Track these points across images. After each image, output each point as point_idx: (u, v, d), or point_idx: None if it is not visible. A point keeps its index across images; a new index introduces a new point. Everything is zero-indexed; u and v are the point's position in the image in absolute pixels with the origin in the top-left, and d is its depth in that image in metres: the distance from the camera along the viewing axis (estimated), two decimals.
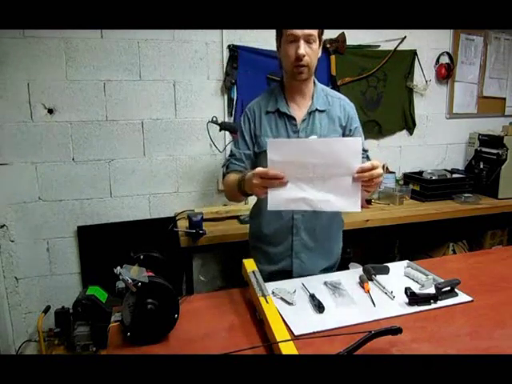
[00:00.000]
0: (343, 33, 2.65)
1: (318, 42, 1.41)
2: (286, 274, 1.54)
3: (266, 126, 1.51)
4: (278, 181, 1.20)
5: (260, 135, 1.51)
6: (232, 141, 2.59)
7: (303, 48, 1.37)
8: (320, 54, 1.47)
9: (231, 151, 1.59)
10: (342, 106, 1.54)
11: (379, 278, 1.40)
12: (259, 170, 1.23)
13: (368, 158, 1.55)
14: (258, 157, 1.54)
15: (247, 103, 2.50)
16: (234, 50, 2.49)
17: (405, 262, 1.57)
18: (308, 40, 1.38)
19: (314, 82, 1.54)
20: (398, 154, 3.03)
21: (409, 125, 3.00)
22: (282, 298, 1.28)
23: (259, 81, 2.57)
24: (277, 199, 1.21)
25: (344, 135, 1.53)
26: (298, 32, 1.36)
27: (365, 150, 1.53)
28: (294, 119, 1.49)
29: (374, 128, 2.90)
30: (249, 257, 1.49)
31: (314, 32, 1.38)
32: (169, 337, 1.11)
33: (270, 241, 1.57)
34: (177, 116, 2.50)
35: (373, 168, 1.20)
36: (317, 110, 1.50)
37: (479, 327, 1.14)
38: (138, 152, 2.47)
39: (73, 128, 2.34)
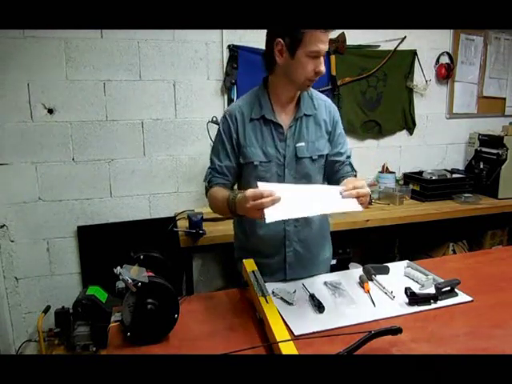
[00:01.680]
0: (343, 33, 2.65)
1: None
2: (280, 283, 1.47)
3: (250, 135, 1.40)
4: (271, 198, 1.11)
5: (245, 145, 1.40)
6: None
7: (323, 64, 1.32)
8: None
9: (211, 162, 1.46)
10: (328, 108, 1.47)
11: (379, 277, 1.40)
12: (250, 193, 1.13)
13: (351, 166, 1.50)
14: (244, 168, 1.43)
15: None
16: (234, 50, 2.49)
17: (405, 262, 1.57)
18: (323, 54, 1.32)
19: None
20: (398, 154, 3.03)
21: (409, 125, 3.00)
22: (281, 298, 1.28)
23: (259, 81, 2.55)
24: (274, 211, 1.13)
25: (329, 140, 1.46)
26: (323, 48, 1.28)
27: (347, 157, 1.50)
28: (281, 127, 1.40)
29: (374, 128, 2.90)
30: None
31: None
32: (169, 337, 1.11)
33: (262, 253, 1.47)
34: (177, 116, 2.50)
35: (355, 188, 1.18)
36: (304, 115, 1.42)
37: (479, 327, 1.14)
38: (138, 152, 2.47)
39: (73, 128, 2.34)
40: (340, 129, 1.50)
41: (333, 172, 1.49)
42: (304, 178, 1.43)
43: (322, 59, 1.30)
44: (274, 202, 1.12)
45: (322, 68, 1.31)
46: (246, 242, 1.52)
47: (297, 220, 1.44)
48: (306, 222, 1.46)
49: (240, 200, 1.21)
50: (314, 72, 1.31)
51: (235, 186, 1.53)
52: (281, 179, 1.40)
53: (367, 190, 1.21)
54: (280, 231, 1.45)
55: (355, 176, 1.49)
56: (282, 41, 1.29)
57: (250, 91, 1.50)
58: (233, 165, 1.44)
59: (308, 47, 1.27)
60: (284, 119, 1.42)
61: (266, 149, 1.40)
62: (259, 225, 1.43)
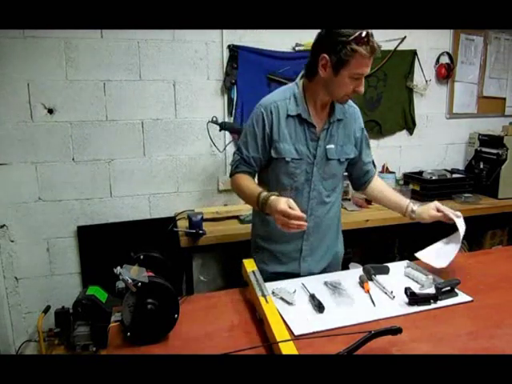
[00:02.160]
0: None
1: None
2: (294, 277, 1.52)
3: (284, 132, 1.44)
4: (297, 223, 1.22)
5: (278, 140, 1.44)
6: (232, 141, 2.59)
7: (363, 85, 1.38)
8: None
9: (239, 150, 1.51)
10: (356, 115, 1.56)
11: (379, 277, 1.40)
12: (282, 207, 1.23)
13: (373, 164, 1.65)
14: (274, 162, 1.48)
15: (247, 103, 2.56)
16: (234, 50, 2.49)
17: (405, 262, 1.57)
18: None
19: None
20: (398, 154, 3.03)
21: (409, 125, 2.99)
22: (282, 298, 1.28)
23: (259, 81, 2.57)
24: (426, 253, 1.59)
25: (356, 145, 1.56)
26: (366, 71, 1.33)
27: (370, 162, 1.65)
28: (314, 127, 1.46)
29: (374, 128, 2.90)
30: (249, 257, 1.50)
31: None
32: (169, 337, 1.11)
33: (280, 241, 1.55)
34: (177, 116, 2.50)
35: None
36: (337, 119, 1.49)
37: (479, 327, 1.14)
38: (138, 152, 2.47)
39: (73, 128, 2.34)
40: (365, 133, 1.61)
41: (361, 174, 1.65)
42: (330, 178, 1.52)
43: (362, 80, 1.36)
44: (300, 227, 1.23)
45: (362, 88, 1.37)
46: (264, 229, 1.57)
47: (317, 216, 1.53)
48: (324, 216, 1.55)
49: (271, 204, 1.29)
50: (353, 90, 1.37)
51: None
52: (309, 176, 1.49)
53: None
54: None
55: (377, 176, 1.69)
56: (327, 57, 1.33)
57: (284, 87, 1.54)
58: (260, 157, 1.49)
59: (352, 69, 1.31)
60: (318, 121, 1.47)
61: (298, 146, 1.45)
62: None
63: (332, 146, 1.48)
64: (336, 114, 1.49)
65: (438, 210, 1.60)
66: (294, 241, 1.54)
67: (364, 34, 1.25)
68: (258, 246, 1.62)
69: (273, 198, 1.30)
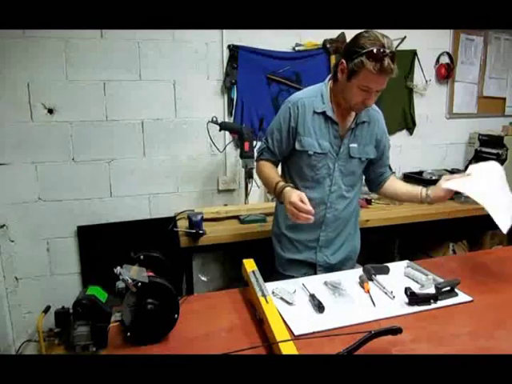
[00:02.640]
0: (343, 33, 2.64)
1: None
2: (311, 266, 1.64)
3: (309, 126, 1.53)
4: (305, 217, 1.31)
5: (303, 134, 1.53)
6: (232, 141, 2.59)
7: (373, 100, 1.44)
8: None
9: (266, 140, 1.63)
10: (380, 119, 1.63)
11: (379, 277, 1.40)
12: (294, 199, 1.33)
13: (389, 167, 1.71)
14: (298, 154, 1.57)
15: (247, 103, 2.56)
16: (234, 50, 2.49)
17: (405, 262, 1.57)
18: (378, 90, 1.41)
19: None
20: (398, 153, 3.03)
21: (409, 125, 2.99)
22: (282, 298, 1.28)
23: (259, 81, 2.57)
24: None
25: (377, 148, 1.63)
26: (374, 87, 1.38)
27: (387, 165, 1.71)
28: (337, 125, 1.53)
29: None
30: (250, 256, 1.49)
31: (385, 85, 1.40)
32: (169, 337, 1.11)
33: (298, 230, 1.62)
34: (177, 116, 2.50)
35: None
36: (363, 121, 1.56)
37: (479, 327, 1.15)
38: (138, 152, 2.47)
39: (73, 128, 2.34)
40: (388, 137, 1.68)
41: (377, 175, 1.71)
42: (350, 175, 1.60)
43: (372, 95, 1.42)
44: (307, 220, 1.31)
45: (369, 102, 1.44)
46: (285, 216, 1.60)
47: (336, 209, 1.60)
48: (343, 210, 1.62)
49: (285, 195, 1.40)
50: (362, 102, 1.43)
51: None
52: (330, 171, 1.57)
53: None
54: (320, 217, 1.58)
55: (394, 173, 1.75)
56: (344, 63, 1.41)
57: (313, 86, 1.61)
58: (283, 148, 1.60)
59: (360, 81, 1.38)
60: (341, 120, 1.55)
61: (322, 142, 1.53)
62: None
63: (355, 145, 1.56)
64: (362, 116, 1.56)
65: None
66: (312, 230, 1.61)
67: (376, 50, 1.30)
68: (278, 232, 1.72)
69: (288, 189, 1.41)
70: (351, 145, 1.55)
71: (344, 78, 1.43)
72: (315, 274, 1.63)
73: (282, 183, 1.47)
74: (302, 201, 1.32)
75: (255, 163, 1.73)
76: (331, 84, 1.55)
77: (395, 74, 1.36)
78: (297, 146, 1.55)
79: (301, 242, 1.64)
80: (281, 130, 1.57)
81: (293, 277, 1.53)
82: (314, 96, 1.54)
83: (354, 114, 1.55)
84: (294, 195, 1.34)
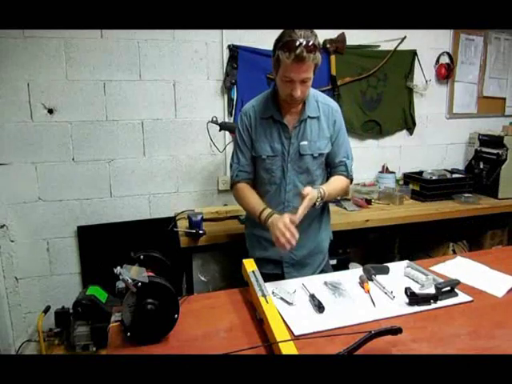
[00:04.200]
0: (343, 33, 2.65)
1: (312, 77, 1.44)
2: (278, 263, 1.65)
3: (261, 131, 1.58)
4: (287, 245, 1.34)
5: (256, 140, 1.58)
6: (232, 141, 2.59)
7: (299, 90, 1.43)
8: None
9: (236, 157, 1.64)
10: (331, 113, 1.60)
11: (379, 277, 1.40)
12: (280, 230, 1.35)
13: (345, 166, 1.65)
14: (255, 160, 1.62)
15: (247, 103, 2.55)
16: (234, 50, 2.49)
17: (405, 262, 1.57)
18: (303, 81, 1.42)
19: None
20: (398, 154, 3.03)
21: (409, 125, 2.99)
22: (282, 298, 1.28)
23: (259, 81, 2.57)
24: None
25: (331, 141, 1.61)
26: (294, 77, 1.39)
27: (344, 157, 1.65)
28: (287, 126, 1.56)
29: (374, 128, 2.90)
30: (249, 256, 1.50)
31: (310, 74, 1.41)
32: (169, 337, 1.11)
33: (264, 228, 1.59)
34: (177, 116, 2.50)
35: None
36: (308, 117, 1.56)
37: (479, 327, 1.14)
38: (138, 152, 2.47)
39: (73, 128, 2.34)
40: (340, 131, 1.63)
41: (330, 169, 1.69)
42: (305, 172, 1.60)
43: (297, 85, 1.41)
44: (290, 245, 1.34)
45: (296, 93, 1.43)
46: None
47: (294, 207, 1.57)
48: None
49: (270, 224, 1.42)
50: (291, 94, 1.44)
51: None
52: (284, 171, 1.59)
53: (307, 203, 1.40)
54: (280, 211, 1.57)
55: (347, 176, 1.67)
56: (272, 59, 1.47)
57: (262, 93, 1.65)
58: (252, 155, 1.61)
59: (281, 72, 1.43)
60: (290, 120, 1.57)
61: (274, 145, 1.57)
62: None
63: (305, 142, 1.56)
64: (307, 111, 1.56)
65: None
66: None
67: (287, 41, 1.35)
68: (247, 232, 1.79)
69: (274, 215, 1.44)
70: (301, 143, 1.56)
71: (275, 74, 1.49)
72: (282, 270, 1.65)
73: (266, 212, 1.48)
74: (286, 226, 1.35)
75: (232, 189, 1.70)
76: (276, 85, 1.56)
77: (315, 62, 1.39)
78: (253, 153, 1.60)
79: (266, 240, 1.61)
80: (244, 140, 1.61)
81: (262, 273, 1.51)
82: (263, 102, 1.59)
83: (300, 113, 1.56)
84: (279, 226, 1.36)
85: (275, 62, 1.45)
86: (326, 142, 1.59)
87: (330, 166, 1.68)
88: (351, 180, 1.70)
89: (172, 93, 2.46)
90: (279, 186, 1.60)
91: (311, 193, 1.41)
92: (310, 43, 1.35)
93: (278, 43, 1.41)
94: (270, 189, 1.62)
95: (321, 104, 1.59)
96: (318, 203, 1.46)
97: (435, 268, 1.52)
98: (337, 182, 1.64)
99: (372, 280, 1.40)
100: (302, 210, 1.38)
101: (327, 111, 1.60)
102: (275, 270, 1.64)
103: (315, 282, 1.41)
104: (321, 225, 1.72)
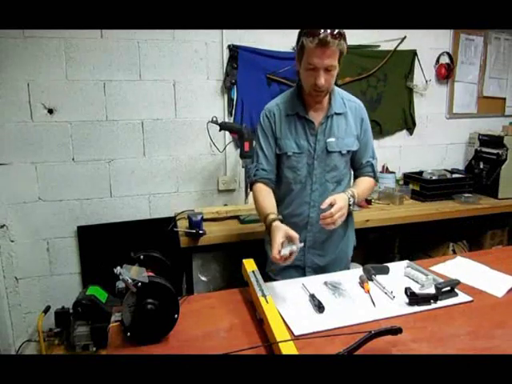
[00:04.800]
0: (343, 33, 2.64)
1: (337, 66, 1.42)
2: (301, 269, 1.62)
3: (286, 129, 1.54)
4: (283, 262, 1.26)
5: (281, 137, 1.55)
6: (232, 141, 2.59)
7: (323, 78, 1.39)
8: (338, 69, 1.45)
9: (256, 156, 1.59)
10: (358, 110, 1.59)
11: (379, 277, 1.40)
12: (277, 245, 1.27)
13: (372, 167, 1.63)
14: (279, 158, 1.58)
15: (247, 103, 2.57)
16: (234, 50, 2.49)
17: (405, 262, 1.57)
18: (328, 69, 1.39)
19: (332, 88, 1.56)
20: (398, 154, 3.03)
21: (409, 125, 3.00)
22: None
23: (259, 81, 2.57)
24: None
25: (358, 139, 1.58)
26: (318, 63, 1.36)
27: (371, 157, 1.63)
28: (313, 123, 1.53)
29: (374, 128, 2.89)
30: (249, 256, 1.49)
31: (334, 62, 1.38)
32: (169, 337, 1.11)
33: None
34: (177, 116, 2.50)
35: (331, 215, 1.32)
36: (335, 113, 1.53)
37: (479, 327, 1.14)
38: (138, 152, 2.47)
39: (73, 128, 2.34)
40: (366, 130, 1.62)
41: (355, 169, 1.67)
42: (332, 170, 1.57)
43: (321, 73, 1.38)
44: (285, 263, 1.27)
45: (319, 82, 1.40)
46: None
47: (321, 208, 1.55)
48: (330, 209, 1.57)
49: (272, 231, 1.35)
50: (315, 84, 1.41)
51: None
52: (311, 169, 1.55)
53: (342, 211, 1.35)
54: (304, 217, 1.58)
55: (373, 177, 1.65)
56: (296, 51, 1.44)
57: (286, 91, 1.63)
58: (275, 152, 1.57)
59: (305, 60, 1.39)
60: (315, 116, 1.54)
61: (299, 141, 1.53)
62: (285, 205, 1.61)
63: (332, 139, 1.53)
64: (333, 108, 1.54)
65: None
66: (298, 232, 1.53)
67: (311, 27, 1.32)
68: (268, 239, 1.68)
69: (274, 224, 1.37)
70: (328, 140, 1.53)
71: (298, 66, 1.46)
72: (304, 275, 1.60)
73: (271, 217, 1.41)
74: (283, 242, 1.29)
75: (249, 185, 1.65)
76: (300, 82, 1.54)
77: (339, 48, 1.36)
78: (277, 151, 1.56)
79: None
80: (266, 137, 1.57)
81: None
82: (287, 99, 1.57)
83: (327, 108, 1.54)
84: (277, 240, 1.29)
85: (299, 50, 1.41)
86: (353, 140, 1.57)
87: (356, 167, 1.66)
88: (377, 181, 1.69)
89: (172, 93, 2.46)
90: (304, 185, 1.56)
91: (337, 198, 1.37)
92: (336, 31, 1.33)
93: (303, 30, 1.37)
94: (294, 188, 1.57)
95: (346, 101, 1.57)
96: (351, 204, 1.44)
97: (435, 268, 1.52)
98: (365, 184, 1.61)
99: (372, 280, 1.40)
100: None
101: (354, 108, 1.58)
102: (296, 275, 1.59)
103: (315, 282, 1.41)
104: (346, 231, 1.70)
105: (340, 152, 1.55)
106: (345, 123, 1.55)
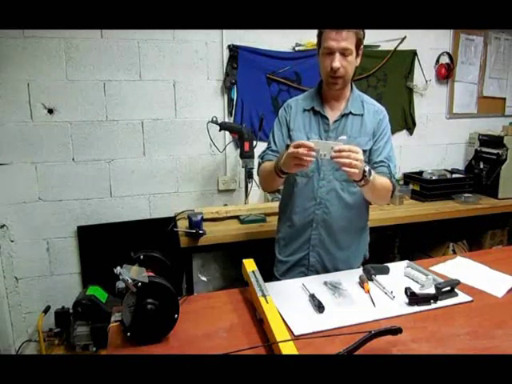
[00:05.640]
0: None
1: (354, 53, 1.44)
2: (304, 267, 1.61)
3: (299, 122, 1.57)
4: (307, 152, 1.24)
5: (293, 129, 1.57)
6: (232, 141, 2.59)
7: (338, 61, 1.41)
8: (358, 63, 1.49)
9: (268, 144, 1.65)
10: (377, 112, 1.57)
11: (379, 278, 1.40)
12: (293, 143, 1.29)
13: (388, 168, 1.54)
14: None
15: (247, 103, 2.57)
16: (234, 50, 2.49)
17: (405, 262, 1.57)
18: (344, 53, 1.41)
19: (352, 88, 1.58)
20: (398, 154, 3.02)
21: (409, 125, 2.99)
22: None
23: (259, 81, 2.57)
24: None
25: (373, 138, 1.55)
26: (334, 45, 1.39)
27: (386, 158, 1.55)
28: (327, 119, 1.54)
29: None
30: (249, 256, 1.49)
31: (350, 45, 1.40)
32: (169, 337, 1.11)
33: (293, 226, 1.62)
34: (177, 116, 2.50)
35: (350, 151, 1.26)
36: (350, 113, 1.53)
37: (479, 327, 1.14)
38: (138, 152, 2.47)
39: (73, 128, 2.34)
40: (384, 131, 1.57)
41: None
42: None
43: (336, 56, 1.41)
44: (309, 155, 1.24)
45: (335, 64, 1.42)
46: (288, 219, 1.64)
47: (327, 207, 1.56)
48: (338, 211, 1.56)
49: (284, 152, 1.35)
50: (330, 68, 1.43)
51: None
52: (318, 164, 1.54)
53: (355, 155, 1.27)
54: (310, 214, 1.57)
55: (390, 179, 1.54)
56: (317, 40, 1.48)
57: (309, 90, 1.66)
58: (286, 143, 1.57)
59: (324, 45, 1.43)
60: (331, 113, 1.56)
61: (311, 135, 1.54)
62: (291, 200, 1.61)
63: (344, 137, 1.52)
64: (349, 107, 1.54)
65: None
66: (304, 229, 1.59)
67: None
68: (277, 236, 1.72)
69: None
70: (340, 137, 1.51)
71: (318, 57, 1.50)
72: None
73: (281, 154, 1.42)
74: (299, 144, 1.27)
75: (257, 166, 1.70)
76: (323, 83, 1.57)
77: (356, 32, 1.40)
78: (288, 142, 1.56)
79: (295, 240, 1.62)
80: (280, 128, 1.62)
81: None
82: (307, 96, 1.61)
83: (343, 107, 1.54)
84: (292, 143, 1.31)
85: (318, 38, 1.47)
86: (367, 139, 1.53)
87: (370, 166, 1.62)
88: (394, 187, 1.55)
89: (172, 93, 2.46)
90: (311, 179, 1.55)
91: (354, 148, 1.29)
92: None
93: None
94: (300, 181, 1.57)
95: (366, 104, 1.57)
96: (366, 175, 1.33)
97: (435, 268, 1.52)
98: (382, 179, 1.49)
99: (372, 280, 1.40)
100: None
101: (372, 111, 1.57)
102: (301, 276, 1.58)
103: (315, 282, 1.41)
104: (359, 242, 1.65)
105: None
106: (360, 123, 1.54)
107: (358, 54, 1.46)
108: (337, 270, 1.58)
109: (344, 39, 1.38)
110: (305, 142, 1.26)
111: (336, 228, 1.57)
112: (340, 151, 1.24)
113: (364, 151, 1.51)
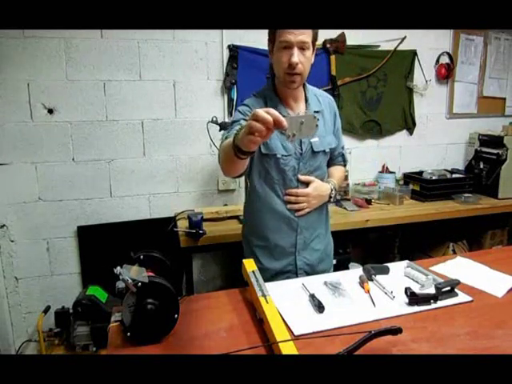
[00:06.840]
0: (343, 33, 2.65)
1: (311, 48, 1.39)
2: (292, 273, 1.57)
3: None
4: (271, 126, 0.96)
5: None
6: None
7: (297, 56, 1.35)
8: (313, 61, 1.44)
9: (231, 129, 1.39)
10: (330, 105, 1.59)
11: (379, 277, 1.40)
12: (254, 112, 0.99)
13: (343, 156, 1.66)
14: (265, 159, 1.48)
15: None
16: (234, 50, 2.49)
17: (405, 262, 1.57)
18: (302, 47, 1.35)
19: (305, 85, 1.54)
20: (398, 154, 3.03)
21: (409, 125, 3.00)
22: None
23: (259, 81, 2.56)
24: None
25: (334, 134, 1.59)
26: (292, 39, 1.33)
27: (342, 147, 1.65)
28: None
29: (374, 128, 2.90)
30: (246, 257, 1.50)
31: (308, 39, 1.35)
32: (169, 337, 1.10)
33: (273, 236, 1.56)
34: (177, 116, 2.50)
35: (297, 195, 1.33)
36: (314, 111, 1.49)
37: (479, 327, 1.14)
38: (138, 152, 2.47)
39: (73, 128, 2.34)
40: (338, 122, 1.62)
41: (328, 160, 1.63)
42: (316, 170, 1.54)
43: (294, 50, 1.34)
44: (267, 132, 0.97)
45: (294, 59, 1.34)
46: (259, 225, 1.58)
47: (309, 212, 1.54)
48: (315, 208, 1.55)
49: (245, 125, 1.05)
50: (288, 64, 1.36)
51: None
52: (296, 171, 1.51)
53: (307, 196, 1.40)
54: (293, 220, 1.53)
55: (344, 166, 1.69)
56: (268, 35, 1.41)
57: (258, 90, 1.54)
58: None
59: (280, 38, 1.35)
60: None
61: (285, 143, 1.47)
62: (272, 208, 1.54)
63: (316, 139, 1.50)
64: (311, 106, 1.51)
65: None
66: (288, 234, 1.55)
67: None
68: (252, 244, 1.62)
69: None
70: (313, 140, 1.49)
71: (271, 55, 1.43)
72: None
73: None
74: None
75: (218, 158, 1.39)
76: (276, 82, 1.49)
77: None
78: (262, 150, 1.45)
79: (277, 249, 1.57)
80: (245, 116, 1.43)
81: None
82: (262, 99, 1.48)
83: (304, 107, 1.50)
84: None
85: (270, 35, 1.39)
86: (332, 137, 1.57)
87: (330, 158, 1.64)
88: (345, 166, 1.73)
89: (172, 93, 2.46)
90: (290, 187, 1.51)
91: (317, 185, 1.41)
92: None
93: None
94: (279, 190, 1.52)
95: (320, 97, 1.56)
96: (333, 196, 1.45)
97: (435, 268, 1.52)
98: (339, 173, 1.65)
99: (372, 280, 1.40)
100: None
101: (327, 104, 1.57)
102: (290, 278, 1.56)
103: (315, 282, 1.41)
104: (326, 225, 1.67)
105: (324, 151, 1.54)
106: (323, 121, 1.53)
107: (313, 50, 1.40)
108: (320, 263, 1.61)
109: (302, 32, 1.33)
110: (270, 113, 0.96)
111: (316, 224, 1.59)
112: (288, 194, 1.33)
113: (331, 149, 1.58)
